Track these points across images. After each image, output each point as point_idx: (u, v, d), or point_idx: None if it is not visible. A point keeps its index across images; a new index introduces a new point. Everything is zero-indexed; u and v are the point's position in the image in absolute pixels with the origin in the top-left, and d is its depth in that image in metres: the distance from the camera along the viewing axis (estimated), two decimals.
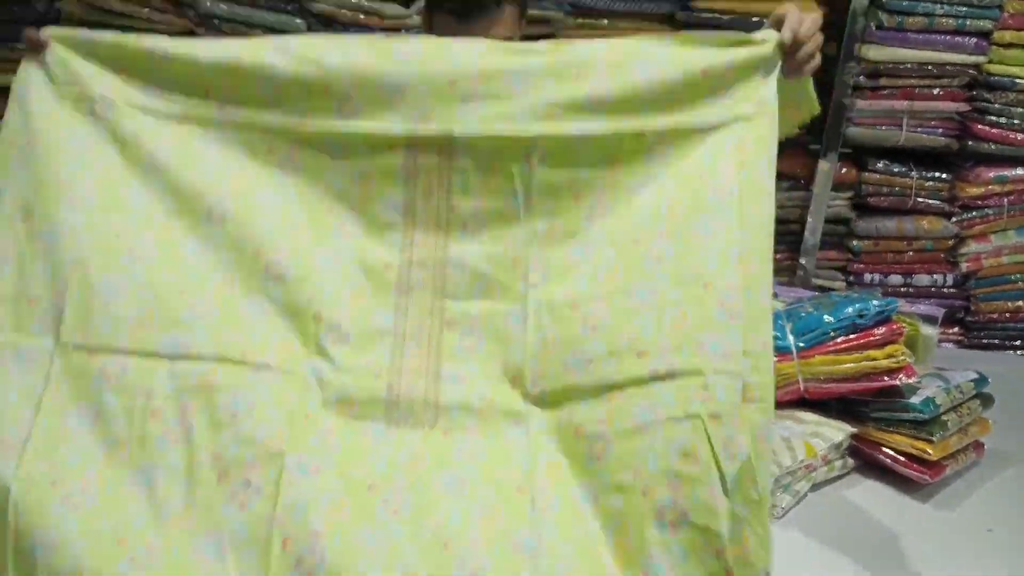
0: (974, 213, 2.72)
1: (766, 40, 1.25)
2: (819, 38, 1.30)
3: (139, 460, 1.06)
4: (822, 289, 2.61)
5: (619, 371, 1.15)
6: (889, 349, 1.85)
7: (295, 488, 1.05)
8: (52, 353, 1.09)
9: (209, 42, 1.26)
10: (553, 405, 1.17)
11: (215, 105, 1.23)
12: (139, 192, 1.18)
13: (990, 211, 2.72)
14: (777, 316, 1.98)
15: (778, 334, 1.90)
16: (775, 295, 2.30)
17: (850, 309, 1.89)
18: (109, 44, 1.23)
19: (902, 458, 1.81)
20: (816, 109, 1.41)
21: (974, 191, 2.68)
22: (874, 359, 1.84)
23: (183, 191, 1.19)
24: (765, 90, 1.24)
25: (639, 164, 1.23)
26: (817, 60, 1.31)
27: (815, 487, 1.79)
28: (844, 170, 2.66)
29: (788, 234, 2.73)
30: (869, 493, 1.81)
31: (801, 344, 1.87)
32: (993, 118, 2.62)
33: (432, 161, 1.23)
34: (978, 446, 1.92)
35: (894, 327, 1.88)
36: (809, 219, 2.66)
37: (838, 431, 1.81)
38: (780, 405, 1.88)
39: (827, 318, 1.88)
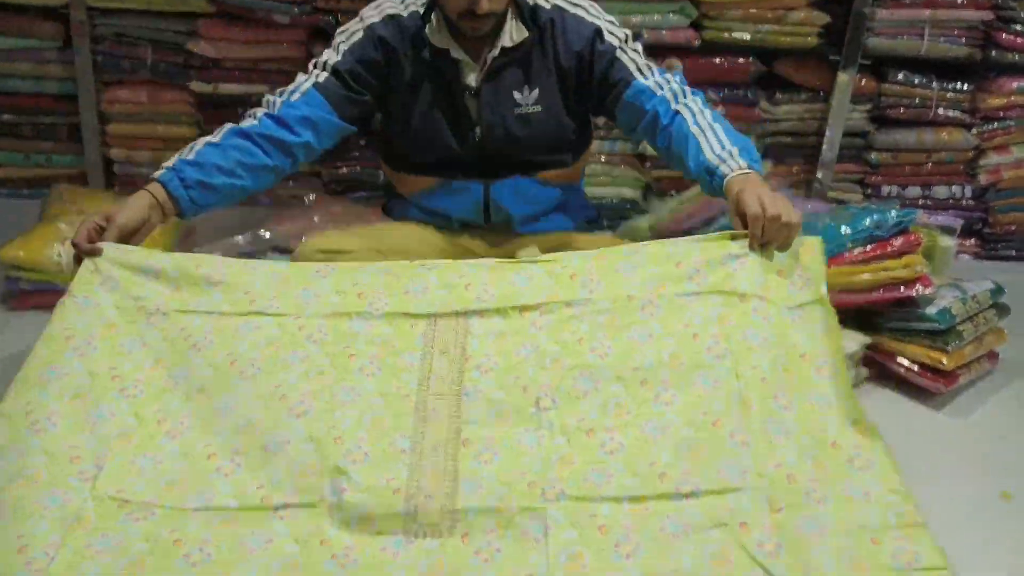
0: (995, 124, 2.66)
1: (735, 238, 1.43)
2: (784, 224, 1.40)
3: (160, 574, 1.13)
4: (839, 202, 2.58)
5: (642, 487, 1.21)
6: (906, 260, 1.85)
7: None
8: (87, 498, 1.19)
9: (263, 270, 1.48)
10: (572, 503, 1.20)
11: (255, 303, 1.42)
12: (183, 376, 1.34)
13: (1012, 122, 2.66)
14: None
15: None
16: None
17: (868, 220, 1.88)
18: (158, 265, 1.44)
19: (916, 368, 1.82)
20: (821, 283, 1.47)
21: (996, 102, 2.62)
22: (891, 269, 1.84)
23: (220, 364, 1.35)
24: (741, 278, 1.40)
25: (634, 317, 1.38)
26: (793, 231, 1.42)
27: None
28: (863, 82, 2.59)
29: (805, 147, 2.69)
30: (882, 402, 1.83)
31: None
32: (1018, 27, 2.54)
33: (450, 331, 1.39)
34: (992, 356, 1.93)
35: (912, 237, 1.87)
36: (827, 132, 2.60)
37: (852, 342, 1.82)
38: None
39: (844, 229, 1.87)
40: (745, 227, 1.42)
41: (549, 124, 1.79)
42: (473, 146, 1.79)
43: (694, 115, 1.63)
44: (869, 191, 2.73)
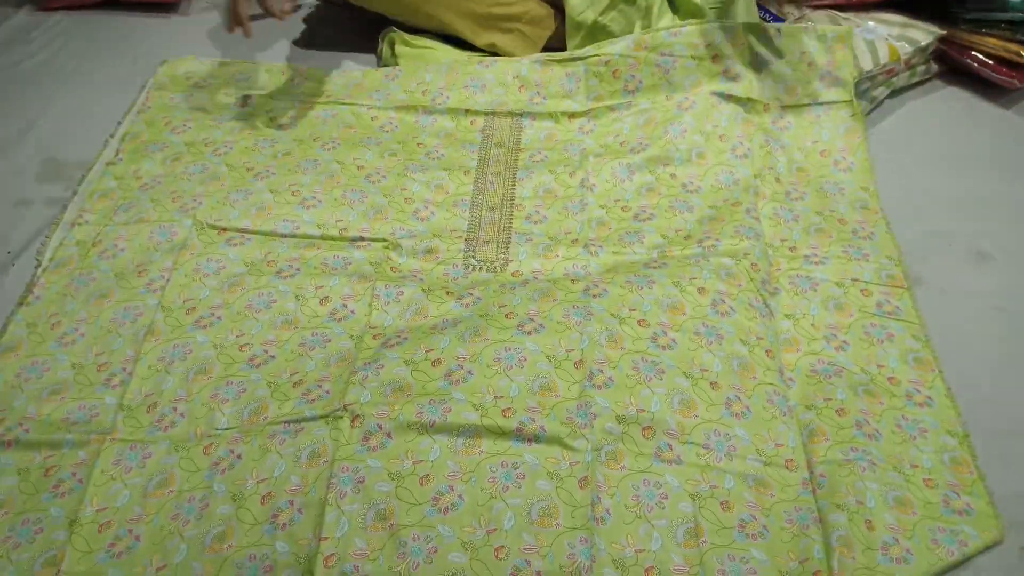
0: None
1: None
2: None
3: (257, 289, 1.32)
4: None
5: (670, 244, 1.38)
6: None
7: (381, 313, 1.29)
8: (190, 228, 1.40)
9: (341, 77, 1.71)
10: (609, 255, 1.37)
11: (331, 96, 1.68)
12: (268, 144, 1.58)
13: None
14: None
15: None
16: None
17: None
18: (229, 66, 1.75)
19: (991, 62, 1.71)
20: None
21: None
22: None
23: (303, 139, 1.59)
24: (767, 85, 1.61)
25: (670, 123, 1.57)
26: None
27: (894, 93, 1.72)
28: None
29: None
30: (950, 99, 1.75)
31: None
32: None
33: (505, 126, 1.62)
34: None
35: None
36: None
37: (926, 33, 1.70)
38: (866, 6, 1.76)
39: None
40: None
41: None
42: None
43: None
44: None
